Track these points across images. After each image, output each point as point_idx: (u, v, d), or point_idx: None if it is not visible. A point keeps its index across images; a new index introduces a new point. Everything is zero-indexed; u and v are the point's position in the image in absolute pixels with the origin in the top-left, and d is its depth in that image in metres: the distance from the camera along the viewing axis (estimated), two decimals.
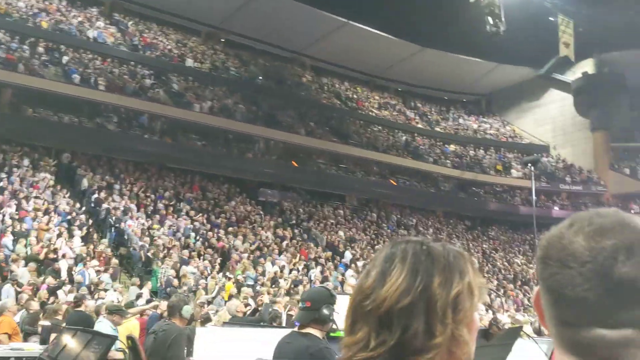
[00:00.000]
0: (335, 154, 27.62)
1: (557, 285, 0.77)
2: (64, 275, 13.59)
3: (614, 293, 0.73)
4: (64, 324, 7.52)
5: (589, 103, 32.75)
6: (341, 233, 22.70)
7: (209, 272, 15.87)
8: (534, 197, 10.29)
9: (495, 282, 21.46)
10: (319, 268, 18.32)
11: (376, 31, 30.78)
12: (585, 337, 0.74)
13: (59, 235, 15.23)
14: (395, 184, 28.41)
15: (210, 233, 18.69)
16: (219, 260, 16.94)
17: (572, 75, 33.90)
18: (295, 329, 3.56)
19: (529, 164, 10.35)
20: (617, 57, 31.73)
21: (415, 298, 0.99)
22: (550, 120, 35.91)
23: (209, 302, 12.79)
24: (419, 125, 34.10)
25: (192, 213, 19.82)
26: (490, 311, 14.68)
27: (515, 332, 3.19)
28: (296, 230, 21.98)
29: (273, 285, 15.29)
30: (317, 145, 26.91)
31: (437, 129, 34.65)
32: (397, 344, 0.97)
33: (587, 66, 33.42)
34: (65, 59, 22.48)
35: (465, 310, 1.01)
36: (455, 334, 0.98)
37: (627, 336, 0.73)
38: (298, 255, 19.15)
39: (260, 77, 29.53)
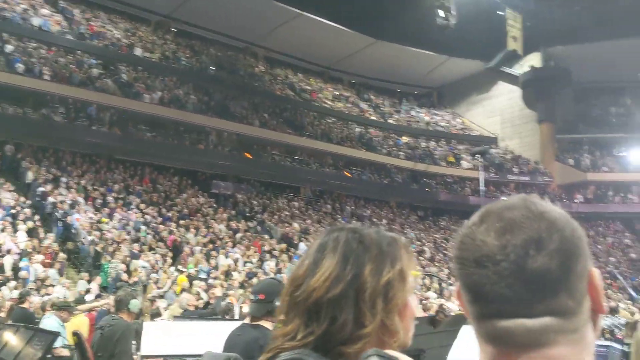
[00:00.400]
0: (290, 146, 27.57)
1: (474, 284, 0.79)
2: (8, 271, 13.12)
3: (530, 286, 0.75)
4: (9, 321, 7.29)
5: (535, 96, 33.70)
6: (296, 225, 22.69)
7: (161, 265, 15.61)
8: (482, 188, 10.48)
9: (447, 271, 21.89)
10: (274, 260, 18.27)
11: (330, 23, 30.78)
12: (505, 327, 0.77)
13: (3, 230, 14.73)
14: (349, 175, 28.59)
15: (161, 226, 18.37)
16: (170, 254, 16.67)
17: (520, 68, 34.77)
18: (247, 321, 3.54)
19: (477, 155, 10.55)
20: (562, 52, 32.72)
21: (345, 287, 0.98)
22: (499, 113, 36.78)
23: (161, 296, 12.58)
24: (373, 117, 34.37)
25: (142, 206, 19.42)
26: (440, 299, 14.98)
27: (461, 319, 3.26)
28: (250, 223, 21.85)
29: (226, 279, 15.18)
30: (271, 137, 26.78)
31: (390, 121, 35.01)
32: (325, 334, 0.97)
33: (535, 60, 34.33)
34: (8, 47, 21.61)
35: (397, 298, 1.00)
36: (385, 322, 0.98)
37: (547, 323, 0.75)
38: (252, 247, 19.05)
39: (213, 68, 29.10)
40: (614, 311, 7.97)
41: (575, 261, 0.78)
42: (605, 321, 7.92)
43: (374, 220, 26.71)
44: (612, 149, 33.73)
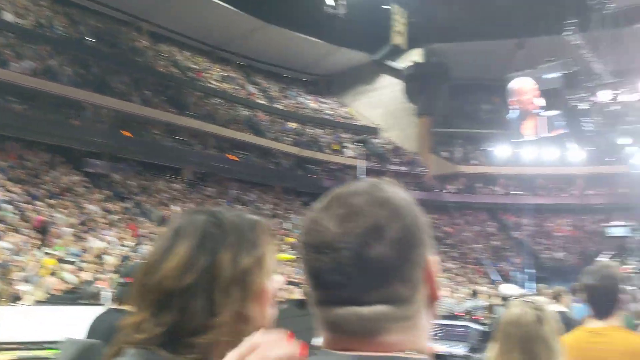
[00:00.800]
0: (172, 125, 26.64)
1: (314, 270, 0.78)
2: None
3: (368, 275, 0.75)
4: None
5: (416, 90, 35.27)
6: (176, 208, 22.04)
7: (27, 247, 14.48)
8: (362, 176, 10.88)
9: None
10: (151, 244, 17.64)
11: (220, 2, 30.05)
12: (340, 314, 0.77)
13: None
14: (234, 158, 28.25)
15: (28, 205, 17.04)
16: (38, 235, 15.52)
17: (404, 63, 36.19)
18: (113, 305, 3.42)
19: (359, 143, 10.93)
20: (443, 49, 34.47)
21: (198, 276, 0.92)
22: (382, 104, 38.08)
23: (25, 280, 11.69)
24: (260, 101, 34.15)
25: (7, 184, 17.88)
26: None
27: None
28: (126, 204, 20.90)
29: (99, 262, 14.42)
30: (153, 115, 25.72)
31: (278, 106, 35.01)
32: (174, 325, 0.91)
33: (417, 55, 35.91)
34: None
35: (255, 285, 0.97)
36: (241, 310, 0.94)
37: (381, 312, 0.76)
38: (127, 230, 18.26)
39: (92, 39, 27.28)
40: (475, 294, 8.57)
41: (413, 250, 0.78)
42: (467, 303, 8.50)
43: (258, 204, 26.67)
44: (481, 144, 36.20)
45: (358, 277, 0.75)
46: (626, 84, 19.16)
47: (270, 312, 1.02)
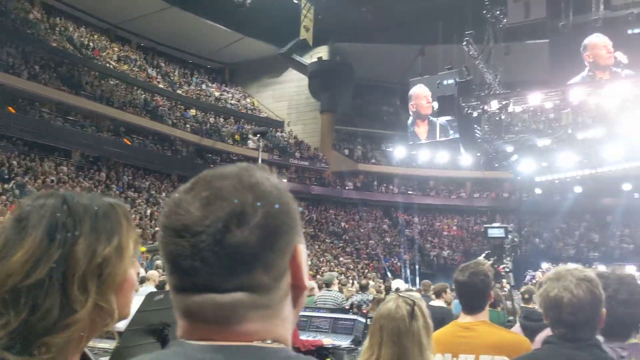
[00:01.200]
0: (63, 104, 25.09)
1: (171, 255, 0.74)
2: None
3: (225, 261, 0.72)
4: None
5: (320, 86, 35.71)
6: (63, 192, 20.74)
7: None
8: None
9: None
10: None
11: None
12: (197, 302, 0.73)
13: None
14: (129, 143, 27.09)
15: None
16: None
17: (310, 58, 36.48)
18: None
19: (258, 135, 10.88)
20: (347, 48, 35.12)
21: (50, 270, 0.83)
22: (287, 98, 38.19)
23: None
24: (161, 86, 33.00)
25: None
26: None
27: None
28: (7, 186, 19.40)
29: None
30: (42, 92, 24.05)
31: (179, 91, 34.01)
32: (23, 325, 0.81)
33: (323, 52, 36.31)
34: None
35: (114, 275, 0.89)
36: (99, 304, 0.87)
37: (237, 299, 0.73)
38: (7, 213, 16.94)
39: None
40: (364, 288, 8.79)
41: (277, 237, 0.75)
42: (356, 297, 8.69)
43: (153, 192, 25.77)
44: (380, 144, 37.30)
45: (216, 263, 0.71)
46: (514, 95, 20.43)
47: (131, 299, 0.96)
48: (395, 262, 30.91)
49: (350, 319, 6.40)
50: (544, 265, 21.61)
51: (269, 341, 0.74)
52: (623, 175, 27.43)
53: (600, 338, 1.98)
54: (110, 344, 3.00)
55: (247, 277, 0.73)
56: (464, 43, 20.66)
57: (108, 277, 0.88)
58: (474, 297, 2.73)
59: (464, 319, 2.78)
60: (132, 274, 0.95)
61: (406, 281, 21.63)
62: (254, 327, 0.73)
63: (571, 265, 2.04)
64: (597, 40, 18.75)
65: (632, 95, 18.27)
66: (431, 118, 22.36)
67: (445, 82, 21.60)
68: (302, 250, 0.80)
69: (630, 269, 16.54)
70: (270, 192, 0.76)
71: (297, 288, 0.78)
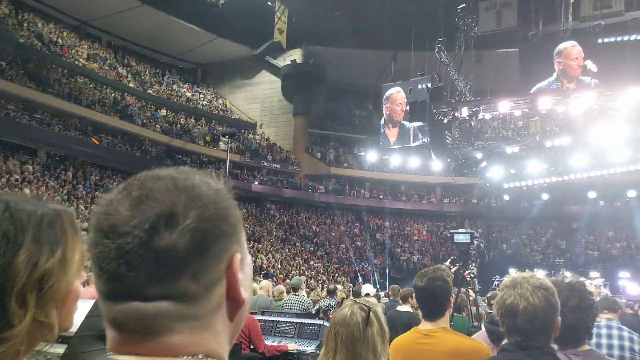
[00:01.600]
0: (30, 102, 24.49)
1: (97, 257, 0.69)
2: None
3: (151, 266, 0.67)
4: None
5: (294, 89, 35.68)
6: (27, 191, 20.26)
7: None
8: (226, 170, 10.77)
9: None
10: None
11: None
12: (121, 310, 0.68)
13: None
14: (97, 142, 26.61)
15: None
16: None
17: (283, 61, 36.43)
18: None
19: (227, 137, 10.74)
20: (321, 52, 35.17)
21: None
22: (259, 100, 38.05)
23: None
24: (131, 85, 32.53)
25: None
26: None
27: None
28: None
29: None
30: (8, 89, 23.46)
31: (150, 91, 33.57)
32: None
33: (296, 55, 36.29)
34: None
35: (56, 289, 0.84)
36: (37, 318, 0.81)
37: (165, 309, 0.67)
38: None
39: None
40: (332, 293, 8.75)
41: (210, 243, 0.69)
42: (323, 302, 8.64)
43: None
44: (353, 148, 37.42)
45: (141, 267, 0.66)
46: (484, 103, 20.71)
47: (74, 310, 0.91)
48: (365, 266, 31.00)
49: (316, 324, 6.36)
50: (512, 271, 21.93)
51: (201, 356, 0.69)
52: (588, 184, 28.05)
53: (554, 346, 1.97)
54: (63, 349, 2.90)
55: (173, 284, 0.67)
56: (436, 50, 20.87)
57: (49, 290, 0.83)
58: (432, 302, 2.72)
59: (425, 325, 2.77)
60: (76, 285, 0.90)
61: (376, 285, 21.70)
62: (181, 340, 0.68)
63: (527, 273, 2.03)
64: (572, 51, 19.10)
65: (598, 106, 18.70)
66: (402, 123, 22.54)
67: (417, 88, 21.76)
68: (246, 260, 0.75)
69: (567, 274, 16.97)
70: (206, 195, 0.71)
71: (233, 301, 0.73)
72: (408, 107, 21.43)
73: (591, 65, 18.49)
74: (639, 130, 18.79)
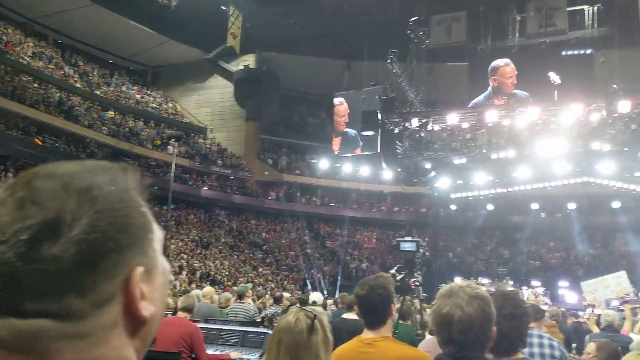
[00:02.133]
0: None
1: None
2: None
3: (32, 279, 0.59)
4: None
5: (246, 95, 35.44)
6: None
7: None
8: (172, 174, 10.58)
9: None
10: None
11: None
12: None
13: None
14: (40, 143, 25.68)
15: None
16: None
17: (236, 66, 36.17)
18: None
19: (174, 140, 10.55)
20: (275, 58, 35.10)
21: None
22: (211, 104, 37.62)
23: None
24: (78, 85, 31.57)
25: None
26: None
27: None
28: None
29: None
30: None
31: (97, 92, 32.66)
32: None
33: (250, 60, 36.10)
34: None
35: None
36: None
37: (41, 326, 0.60)
38: None
39: None
40: (278, 300, 8.68)
41: (101, 257, 0.61)
42: (269, 310, 8.56)
43: None
44: (305, 155, 37.42)
45: (19, 280, 0.59)
46: (434, 114, 21.13)
47: None
48: (314, 273, 30.99)
49: (261, 332, 6.28)
50: (457, 279, 22.34)
51: None
52: (531, 195, 28.98)
53: (488, 355, 1.98)
54: None
55: (54, 301, 0.60)
56: (388, 61, 21.15)
57: None
58: (373, 311, 2.71)
59: (367, 334, 2.76)
60: None
61: (324, 293, 21.70)
62: None
63: (465, 282, 2.04)
64: (506, 69, 19.83)
65: (541, 120, 19.36)
66: (346, 130, 22.88)
67: (370, 98, 22.01)
68: (157, 270, 0.68)
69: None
70: (105, 199, 0.63)
71: (132, 317, 0.65)
72: (362, 117, 21.60)
73: (554, 77, 19.18)
74: (579, 145, 19.54)
